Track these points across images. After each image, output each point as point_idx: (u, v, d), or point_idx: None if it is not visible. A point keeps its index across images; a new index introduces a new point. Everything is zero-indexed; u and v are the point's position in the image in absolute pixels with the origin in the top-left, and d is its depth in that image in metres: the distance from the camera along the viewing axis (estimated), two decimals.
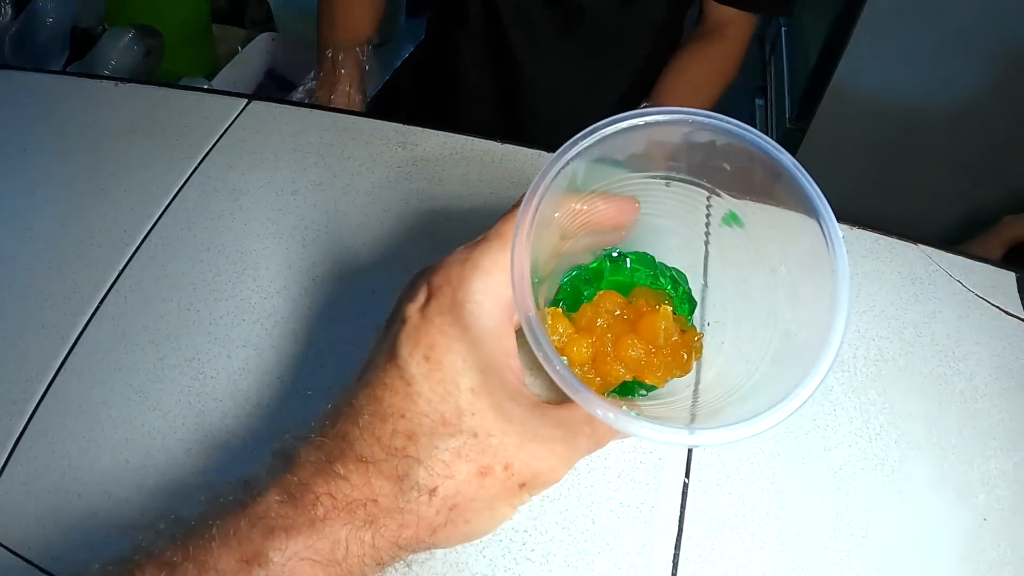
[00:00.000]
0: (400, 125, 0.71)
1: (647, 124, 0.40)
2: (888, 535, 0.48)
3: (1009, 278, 0.65)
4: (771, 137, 0.42)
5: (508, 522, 0.46)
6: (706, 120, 0.41)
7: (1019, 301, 0.65)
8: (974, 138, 2.15)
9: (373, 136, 0.71)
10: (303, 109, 0.74)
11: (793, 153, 0.40)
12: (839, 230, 0.38)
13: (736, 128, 0.41)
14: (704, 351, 0.46)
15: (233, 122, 0.73)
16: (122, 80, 0.80)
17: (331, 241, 0.62)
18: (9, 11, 1.16)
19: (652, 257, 0.50)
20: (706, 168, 0.49)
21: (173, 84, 0.80)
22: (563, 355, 0.41)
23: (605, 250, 0.48)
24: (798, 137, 1.97)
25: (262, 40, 1.42)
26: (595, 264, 0.47)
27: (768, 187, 0.42)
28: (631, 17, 0.95)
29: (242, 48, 1.45)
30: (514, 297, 0.34)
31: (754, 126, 0.45)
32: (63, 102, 0.78)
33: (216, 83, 1.31)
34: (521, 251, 0.35)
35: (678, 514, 0.48)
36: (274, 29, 1.52)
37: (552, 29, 0.96)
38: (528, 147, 0.68)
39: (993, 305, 0.63)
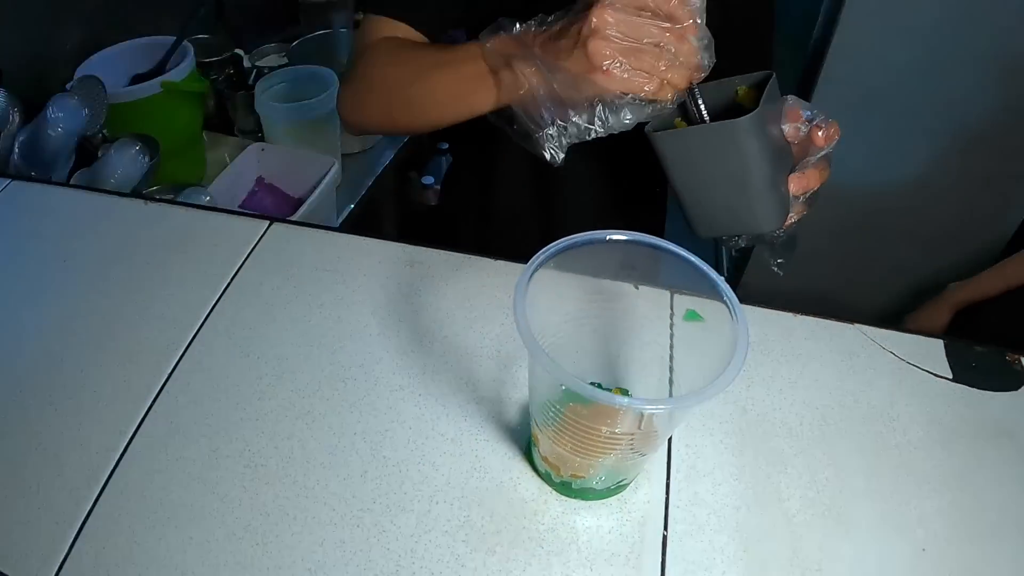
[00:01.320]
0: (407, 245, 0.86)
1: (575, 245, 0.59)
2: (840, 568, 0.61)
3: (937, 345, 0.80)
4: None
5: (522, 572, 0.59)
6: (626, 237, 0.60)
7: (947, 364, 0.79)
8: (924, 213, 2.33)
9: (384, 255, 0.86)
10: (320, 230, 0.89)
11: None
12: (735, 297, 0.55)
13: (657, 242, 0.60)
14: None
15: (258, 242, 0.87)
16: (151, 199, 0.94)
17: (356, 348, 0.76)
18: (17, 119, 1.25)
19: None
20: (656, 273, 0.65)
21: (198, 205, 0.94)
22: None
23: None
24: None
25: (252, 150, 1.56)
26: None
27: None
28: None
29: (233, 157, 1.59)
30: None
31: None
32: (97, 218, 0.92)
33: (212, 190, 1.42)
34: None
35: (660, 560, 0.61)
36: (263, 139, 1.67)
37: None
38: (520, 263, 0.82)
39: (923, 370, 0.78)
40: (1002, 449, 0.72)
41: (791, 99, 0.74)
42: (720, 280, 0.56)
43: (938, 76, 2.06)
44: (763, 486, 0.67)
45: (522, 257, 0.77)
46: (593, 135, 0.68)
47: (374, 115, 0.93)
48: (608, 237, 0.58)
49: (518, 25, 0.71)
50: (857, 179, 2.27)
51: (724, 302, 0.56)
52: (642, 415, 0.55)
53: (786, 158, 0.73)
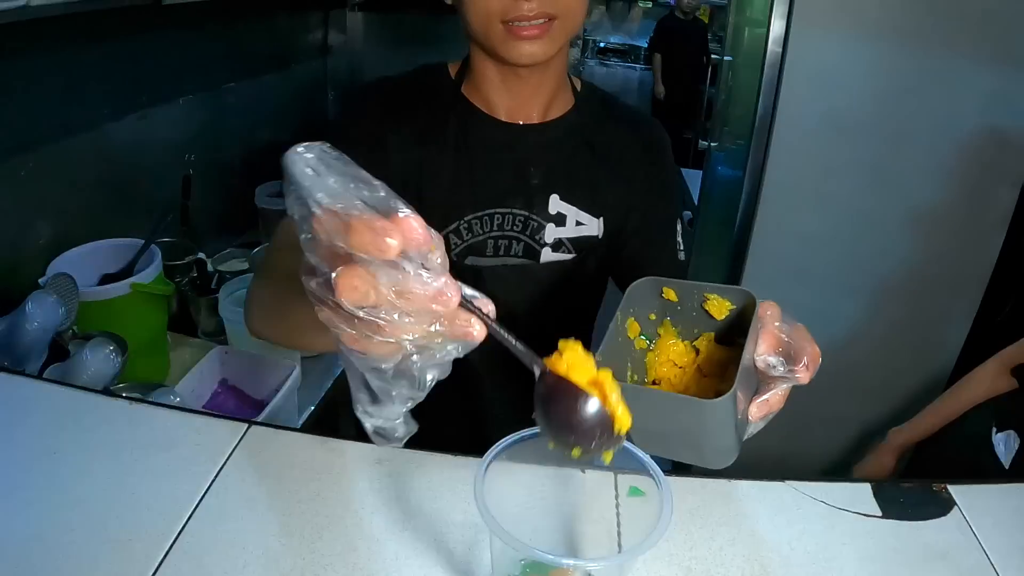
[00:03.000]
0: (374, 445, 0.96)
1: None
2: None
3: (864, 488, 0.94)
4: None
5: None
6: None
7: (875, 504, 0.92)
8: (859, 366, 2.50)
9: (354, 455, 0.98)
10: (295, 433, 1.01)
11: None
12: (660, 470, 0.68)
13: None
14: None
15: (239, 443, 0.97)
16: (134, 400, 1.04)
17: (334, 538, 0.86)
18: None
19: None
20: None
21: (180, 407, 1.04)
22: None
23: None
24: None
25: (216, 353, 1.66)
26: None
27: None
28: None
29: (195, 358, 1.68)
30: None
31: None
32: (82, 414, 1.01)
33: (179, 389, 1.51)
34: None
35: None
36: (225, 340, 1.78)
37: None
38: (476, 457, 0.94)
39: (853, 512, 0.91)
40: (937, 571, 0.84)
41: (769, 314, 0.65)
42: (646, 457, 0.69)
43: (854, 238, 2.28)
44: None
45: (472, 450, 0.90)
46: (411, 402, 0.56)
47: (265, 331, 0.96)
48: None
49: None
50: None
51: (650, 475, 0.69)
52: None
53: (751, 386, 0.66)
